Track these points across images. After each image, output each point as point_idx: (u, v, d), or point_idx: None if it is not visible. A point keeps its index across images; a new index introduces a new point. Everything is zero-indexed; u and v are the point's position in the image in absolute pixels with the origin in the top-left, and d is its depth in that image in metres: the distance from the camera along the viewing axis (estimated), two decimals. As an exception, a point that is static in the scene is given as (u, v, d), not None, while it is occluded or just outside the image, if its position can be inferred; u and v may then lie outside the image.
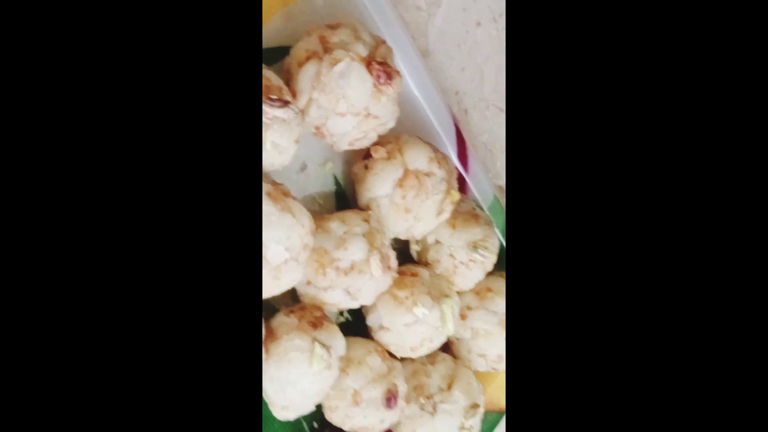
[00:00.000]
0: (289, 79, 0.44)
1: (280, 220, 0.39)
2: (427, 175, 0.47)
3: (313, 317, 0.44)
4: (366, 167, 0.48)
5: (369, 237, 0.45)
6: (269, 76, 0.42)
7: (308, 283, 0.44)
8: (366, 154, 0.48)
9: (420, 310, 0.46)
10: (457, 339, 0.52)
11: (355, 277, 0.44)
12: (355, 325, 0.49)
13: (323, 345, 0.42)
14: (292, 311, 0.44)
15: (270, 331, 0.43)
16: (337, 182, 0.50)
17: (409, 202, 0.46)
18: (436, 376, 0.49)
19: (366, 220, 0.46)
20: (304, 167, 0.49)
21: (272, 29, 0.47)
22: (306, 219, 0.41)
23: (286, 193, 0.41)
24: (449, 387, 0.49)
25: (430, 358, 0.50)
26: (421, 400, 0.48)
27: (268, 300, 0.44)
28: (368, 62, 0.43)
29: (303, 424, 0.49)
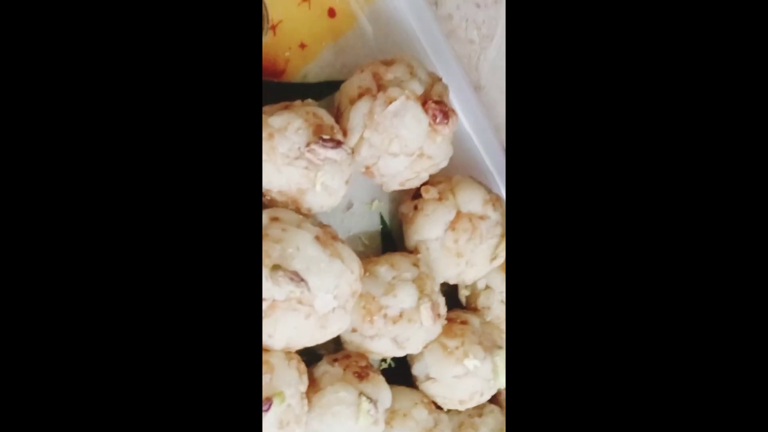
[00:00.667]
0: (338, 117, 0.42)
1: (330, 266, 0.37)
2: (481, 218, 0.44)
3: (359, 367, 0.41)
4: (416, 208, 0.45)
5: (419, 283, 0.43)
6: (321, 114, 0.40)
7: (354, 330, 0.42)
8: (416, 194, 0.46)
9: (471, 362, 0.44)
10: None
11: (403, 326, 0.42)
12: (399, 372, 0.47)
13: (370, 399, 0.40)
14: (336, 360, 0.42)
15: (313, 380, 0.41)
16: (383, 222, 0.48)
17: (462, 247, 0.44)
18: (484, 430, 0.47)
19: (415, 265, 0.44)
20: (350, 206, 0.47)
21: (321, 63, 0.45)
22: (355, 265, 0.39)
23: (334, 237, 0.39)
24: (498, 442, 0.46)
25: (478, 409, 0.48)
26: (468, 455, 0.46)
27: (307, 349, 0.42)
28: (424, 101, 0.41)
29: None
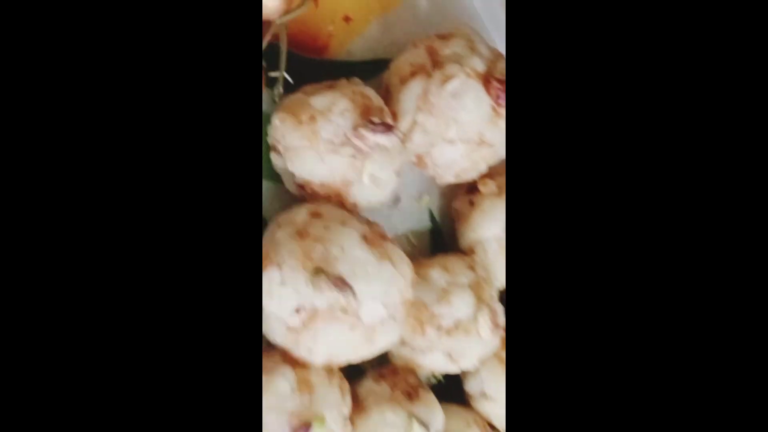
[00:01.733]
0: (388, 98, 0.38)
1: (379, 271, 0.33)
2: (547, 216, 0.39)
3: (408, 385, 0.37)
4: (471, 203, 0.41)
5: (476, 289, 0.38)
6: (369, 95, 0.35)
7: (403, 343, 0.37)
8: (471, 188, 0.41)
9: (534, 380, 0.38)
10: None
11: (459, 338, 0.37)
12: (450, 388, 0.42)
13: (421, 423, 0.35)
14: (382, 376, 0.37)
15: (357, 400, 0.36)
16: (433, 219, 0.43)
17: (524, 248, 0.39)
18: (544, 456, 0.42)
19: (471, 268, 0.39)
20: (396, 201, 0.42)
21: (369, 39, 0.41)
22: (407, 269, 0.34)
23: (383, 236, 0.35)
24: (561, 470, 0.41)
25: None
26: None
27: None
28: (486, 80, 0.36)
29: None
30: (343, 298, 0.32)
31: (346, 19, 0.40)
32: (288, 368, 0.33)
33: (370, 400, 0.36)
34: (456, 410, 0.41)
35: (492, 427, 0.41)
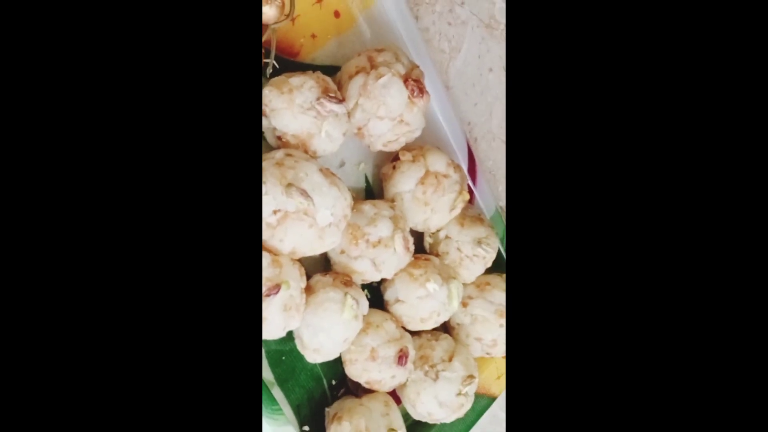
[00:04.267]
0: (339, 88, 0.55)
1: (329, 191, 0.49)
2: (445, 176, 0.57)
3: (345, 279, 0.53)
4: (394, 168, 0.58)
5: (394, 220, 0.54)
6: (327, 80, 0.52)
7: (341, 252, 0.53)
8: (395, 158, 0.58)
9: (431, 286, 0.55)
10: (458, 324, 0.61)
11: (381, 250, 0.53)
12: (373, 301, 0.58)
13: (353, 298, 0.51)
14: (326, 273, 0.53)
15: (309, 287, 0.52)
16: (367, 181, 0.60)
17: (428, 197, 0.56)
18: (439, 350, 0.58)
19: (392, 208, 0.55)
20: (342, 164, 0.59)
21: (327, 52, 0.58)
22: (347, 194, 0.51)
23: (333, 174, 0.51)
24: (450, 359, 0.57)
25: (434, 335, 0.59)
26: (426, 367, 0.57)
27: (306, 268, 0.53)
28: (405, 78, 0.54)
29: (323, 380, 0.57)
30: (306, 204, 0.48)
31: (313, 36, 0.56)
32: (266, 252, 0.49)
33: (318, 285, 0.52)
34: (378, 311, 0.56)
35: (403, 328, 0.57)
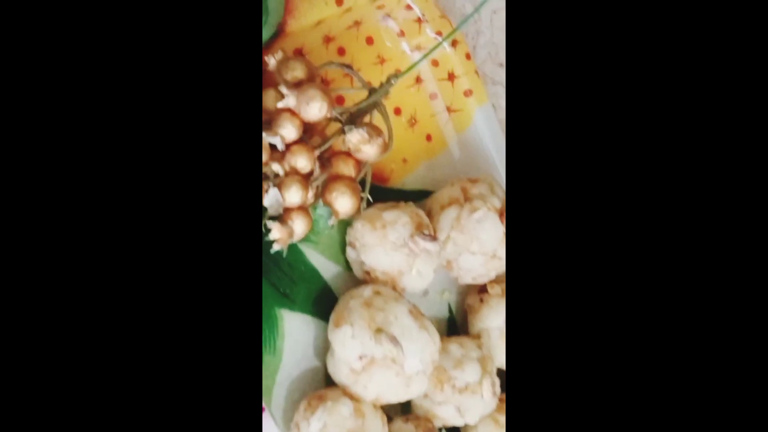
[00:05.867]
0: (430, 218, 0.52)
1: (419, 336, 0.46)
2: (536, 315, 0.53)
3: (428, 426, 0.49)
4: (481, 300, 0.54)
5: (482, 362, 0.51)
6: (421, 214, 0.50)
7: (425, 396, 0.50)
8: (482, 289, 0.55)
9: (519, 436, 0.51)
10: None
11: (467, 396, 0.50)
12: (453, 441, 0.54)
13: (437, 455, 0.47)
14: (408, 419, 0.50)
15: (389, 435, 0.48)
16: (450, 311, 0.57)
17: (518, 337, 0.53)
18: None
19: (479, 347, 0.52)
20: (425, 293, 0.56)
21: (417, 176, 0.56)
22: (437, 338, 0.48)
23: (422, 314, 0.48)
24: None
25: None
26: None
27: (384, 407, 0.50)
28: (501, 213, 0.51)
29: None
30: (395, 351, 0.45)
31: (404, 160, 0.54)
32: (347, 399, 0.46)
33: (400, 434, 0.49)
34: (457, 458, 0.53)
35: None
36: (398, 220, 0.48)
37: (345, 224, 0.51)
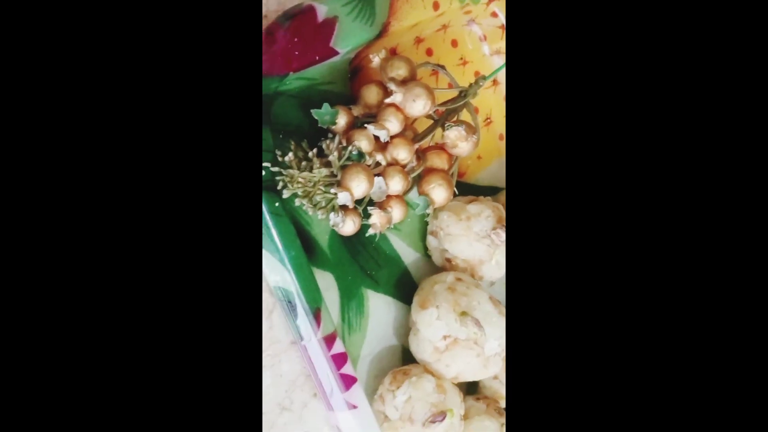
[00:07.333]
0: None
1: (499, 320, 0.50)
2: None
3: (497, 407, 0.53)
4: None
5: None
6: (500, 208, 0.53)
7: (495, 377, 0.54)
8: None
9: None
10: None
11: (533, 380, 0.53)
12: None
13: None
14: (478, 398, 0.53)
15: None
16: (512, 301, 0.60)
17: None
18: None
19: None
20: (492, 283, 0.59)
21: (489, 172, 0.59)
22: (512, 324, 0.51)
23: (499, 302, 0.52)
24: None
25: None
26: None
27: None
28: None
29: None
30: (478, 333, 0.49)
31: (479, 157, 0.58)
32: (430, 375, 0.50)
33: (472, 411, 0.52)
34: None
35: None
36: (482, 212, 0.52)
37: (423, 214, 0.54)
